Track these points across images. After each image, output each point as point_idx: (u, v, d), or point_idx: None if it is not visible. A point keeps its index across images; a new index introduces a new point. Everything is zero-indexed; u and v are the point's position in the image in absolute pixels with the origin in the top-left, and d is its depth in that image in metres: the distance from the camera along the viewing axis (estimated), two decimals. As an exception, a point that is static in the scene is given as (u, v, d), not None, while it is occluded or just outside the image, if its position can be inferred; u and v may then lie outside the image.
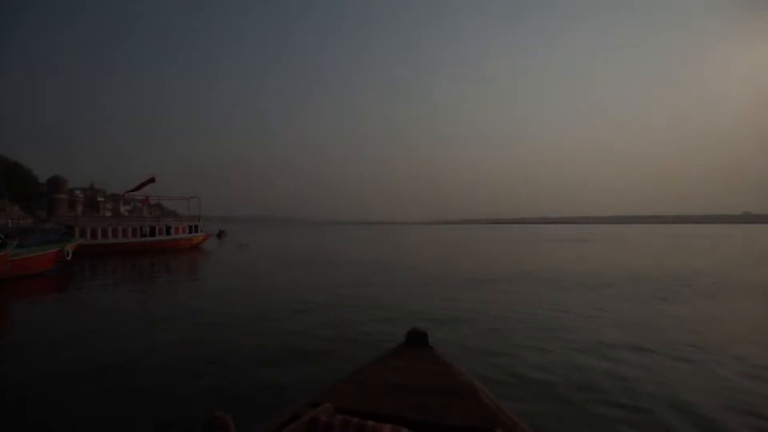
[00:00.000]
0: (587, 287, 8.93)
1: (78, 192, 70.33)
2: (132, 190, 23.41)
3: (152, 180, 22.88)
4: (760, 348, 4.70)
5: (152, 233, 21.22)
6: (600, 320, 5.98)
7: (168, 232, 22.02)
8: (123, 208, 47.69)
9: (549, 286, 9.23)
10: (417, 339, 2.63)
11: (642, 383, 3.61)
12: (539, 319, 6.05)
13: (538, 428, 1.91)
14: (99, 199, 74.67)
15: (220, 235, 37.30)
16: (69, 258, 13.11)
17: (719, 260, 15.62)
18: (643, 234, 48.06)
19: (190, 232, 23.46)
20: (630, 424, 2.90)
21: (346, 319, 6.03)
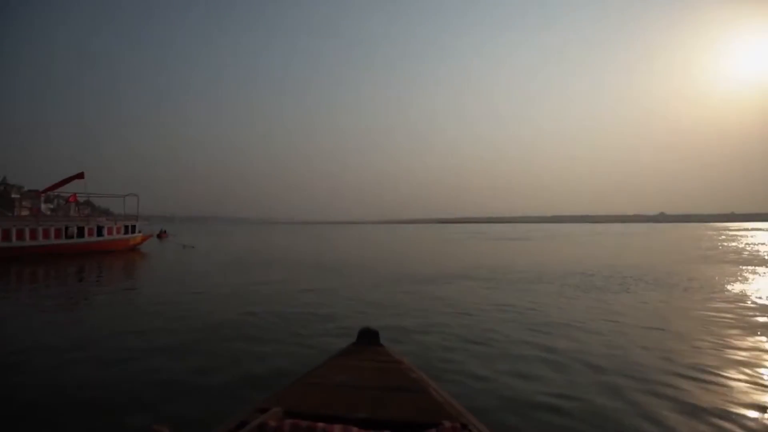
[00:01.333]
0: (520, 282, 9.55)
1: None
2: (54, 187, 20.93)
3: (81, 176, 20.70)
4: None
5: (81, 234, 19.22)
6: (534, 314, 6.45)
7: (100, 233, 20.14)
8: (44, 206, 42.97)
9: (486, 282, 9.75)
10: (368, 338, 2.64)
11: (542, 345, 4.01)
12: (477, 314, 6.40)
13: (482, 418, 2.01)
14: (14, 196, 66.77)
15: (161, 235, 34.85)
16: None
17: (637, 254, 17.32)
18: (576, 231, 51.98)
19: (126, 232, 21.69)
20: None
21: (300, 324, 5.91)
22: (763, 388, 3.55)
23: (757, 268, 12.50)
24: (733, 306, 7.02)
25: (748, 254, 17.48)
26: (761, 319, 6.06)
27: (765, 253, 17.76)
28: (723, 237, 34.62)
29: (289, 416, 1.84)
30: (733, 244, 25.10)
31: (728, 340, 5.00)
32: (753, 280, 10.17)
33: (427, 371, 2.67)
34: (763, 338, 5.08)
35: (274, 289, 9.12)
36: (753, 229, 56.56)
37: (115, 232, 21.09)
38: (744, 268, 12.50)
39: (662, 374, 3.87)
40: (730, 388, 3.57)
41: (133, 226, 22.25)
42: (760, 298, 7.75)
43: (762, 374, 3.87)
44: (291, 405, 1.95)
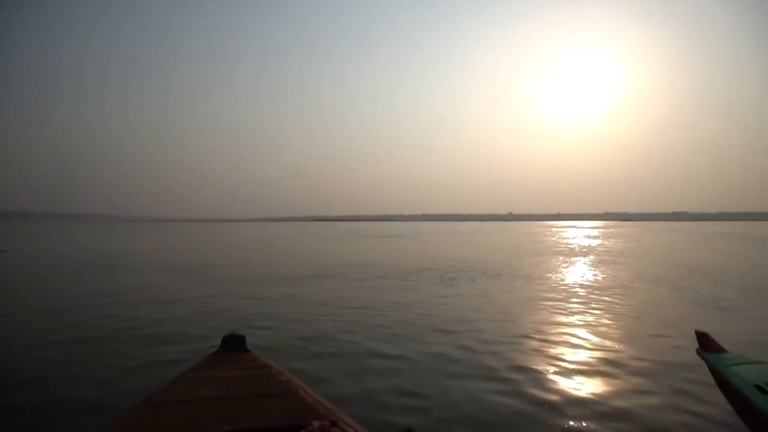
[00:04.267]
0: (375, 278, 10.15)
1: None
2: None
3: None
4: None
5: None
6: (393, 307, 6.89)
7: None
8: None
9: (350, 279, 10.09)
10: (233, 344, 2.51)
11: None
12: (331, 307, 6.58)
13: (349, 413, 2.16)
14: None
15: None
16: None
17: (486, 249, 20.19)
18: (442, 229, 57.50)
19: None
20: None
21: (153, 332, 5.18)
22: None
23: (567, 258, 15.78)
24: (552, 287, 8.75)
25: (563, 247, 22.05)
26: (572, 298, 7.71)
27: (575, 246, 22.67)
28: (550, 233, 42.78)
29: None
30: (554, 239, 31.25)
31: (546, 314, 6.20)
32: (566, 266, 12.79)
33: (296, 373, 2.72)
34: (574, 311, 6.47)
35: (99, 303, 7.49)
36: (570, 227, 71.46)
37: None
38: (562, 258, 15.65)
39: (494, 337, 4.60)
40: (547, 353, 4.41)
41: None
42: (567, 280, 9.77)
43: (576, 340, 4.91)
44: (140, 428, 1.74)
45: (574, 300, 7.60)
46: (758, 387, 2.47)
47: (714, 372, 2.91)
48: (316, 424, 1.67)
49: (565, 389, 3.63)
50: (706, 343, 3.08)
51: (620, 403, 3.42)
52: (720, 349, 3.02)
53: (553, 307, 7.01)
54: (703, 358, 3.04)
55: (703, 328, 3.20)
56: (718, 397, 3.02)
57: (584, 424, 3.06)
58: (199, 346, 4.57)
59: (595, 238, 29.66)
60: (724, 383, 2.80)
